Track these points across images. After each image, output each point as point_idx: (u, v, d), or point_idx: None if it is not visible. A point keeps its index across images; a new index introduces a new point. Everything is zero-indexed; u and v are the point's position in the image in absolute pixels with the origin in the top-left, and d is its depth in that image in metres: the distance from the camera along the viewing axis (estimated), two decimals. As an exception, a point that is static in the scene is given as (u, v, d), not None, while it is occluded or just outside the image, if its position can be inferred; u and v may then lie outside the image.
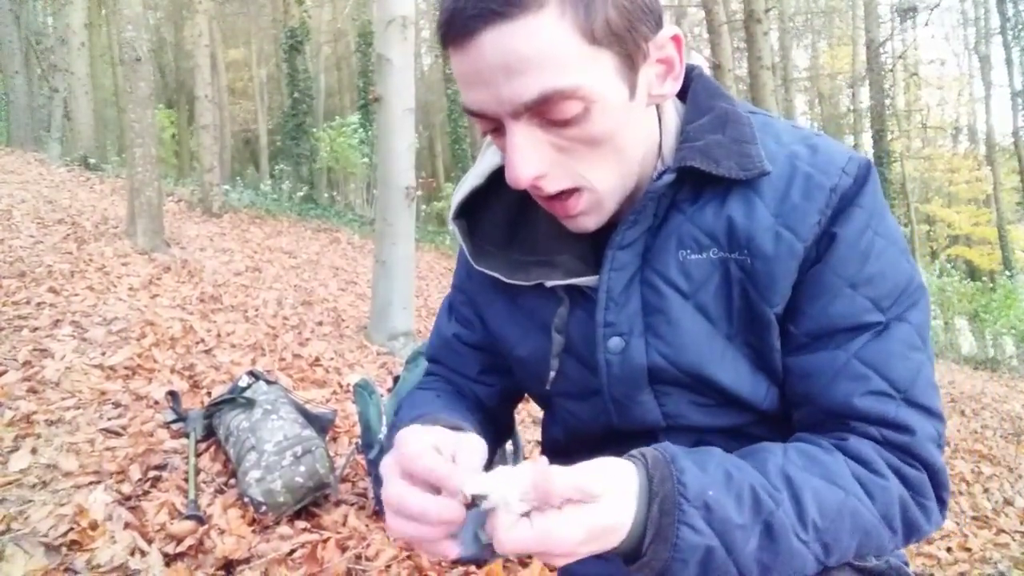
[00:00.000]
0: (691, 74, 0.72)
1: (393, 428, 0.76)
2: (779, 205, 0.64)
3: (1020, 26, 16.60)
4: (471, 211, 0.77)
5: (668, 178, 0.65)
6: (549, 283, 0.72)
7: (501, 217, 0.77)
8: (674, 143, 0.69)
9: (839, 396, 0.65)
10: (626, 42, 0.58)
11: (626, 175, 0.65)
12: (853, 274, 0.64)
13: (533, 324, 0.77)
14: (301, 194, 13.64)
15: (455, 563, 1.95)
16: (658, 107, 0.69)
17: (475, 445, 0.59)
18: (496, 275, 0.74)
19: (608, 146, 0.61)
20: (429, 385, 0.88)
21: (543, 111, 0.57)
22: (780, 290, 0.65)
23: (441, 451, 0.57)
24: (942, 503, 0.65)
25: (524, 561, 2.08)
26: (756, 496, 0.57)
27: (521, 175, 0.59)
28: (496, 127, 0.61)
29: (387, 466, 0.58)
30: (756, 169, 0.64)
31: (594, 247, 0.72)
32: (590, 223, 0.66)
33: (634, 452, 0.58)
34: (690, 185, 0.67)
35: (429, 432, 0.59)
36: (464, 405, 0.83)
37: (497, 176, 0.75)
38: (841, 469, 0.62)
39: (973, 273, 19.14)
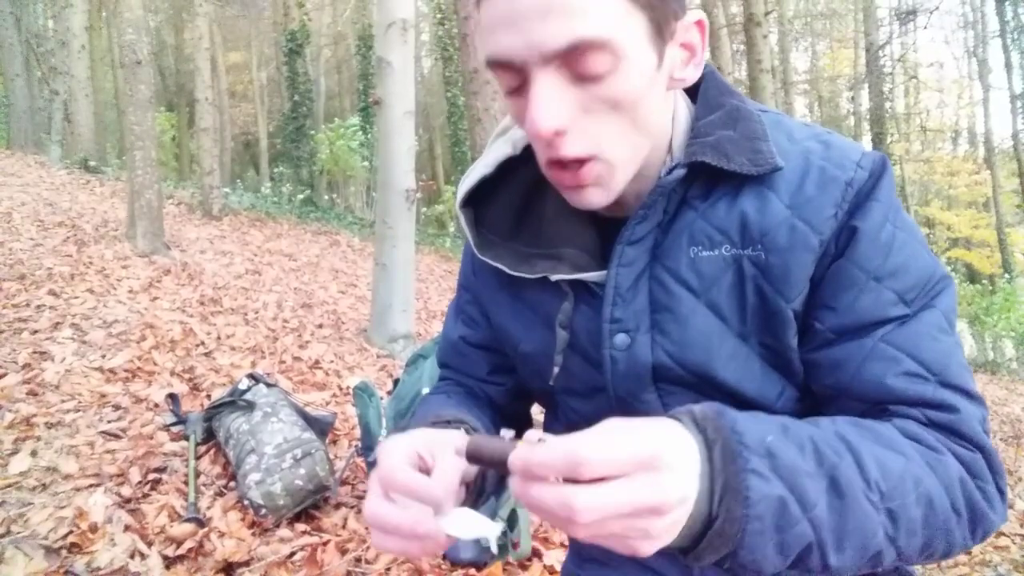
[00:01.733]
0: (703, 71, 0.72)
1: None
2: (793, 197, 0.64)
3: (1019, 30, 16.63)
4: (478, 201, 0.77)
5: (679, 173, 0.64)
6: (554, 277, 0.71)
7: (507, 208, 0.77)
8: (684, 139, 0.69)
9: (872, 379, 0.62)
10: (658, 11, 0.59)
11: (639, 151, 0.64)
12: (877, 267, 0.62)
13: (537, 319, 0.77)
14: (301, 197, 13.65)
15: (455, 566, 1.95)
16: None
17: (455, 444, 0.59)
18: (500, 266, 0.73)
19: (629, 113, 0.60)
20: (441, 388, 0.89)
21: (573, 61, 0.56)
22: (795, 284, 0.64)
23: (424, 455, 0.57)
24: (1001, 493, 0.61)
25: (524, 564, 2.08)
26: (817, 447, 0.53)
27: (544, 125, 0.57)
28: (518, 84, 0.60)
29: (371, 480, 0.58)
30: (768, 165, 0.64)
31: (601, 242, 0.71)
32: (597, 198, 0.64)
33: (672, 412, 0.55)
34: (702, 181, 0.66)
35: (411, 439, 0.59)
36: (475, 404, 0.83)
37: (506, 167, 0.75)
38: (896, 437, 0.58)
39: (973, 276, 19.16)
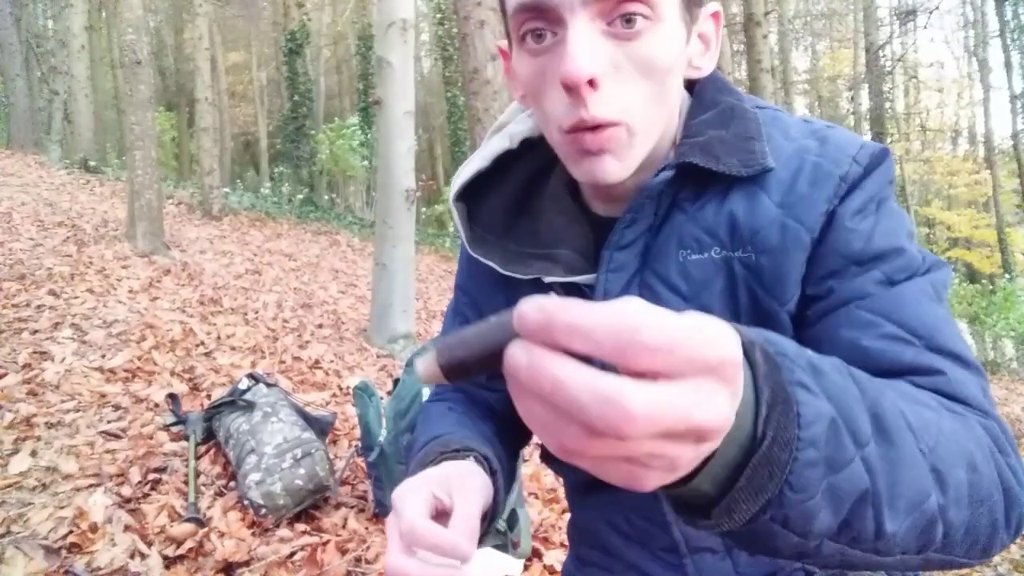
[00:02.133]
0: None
1: (411, 450, 0.74)
2: (785, 196, 0.62)
3: (1018, 30, 16.64)
4: (473, 196, 0.75)
5: (666, 175, 0.63)
6: (547, 279, 0.69)
7: (502, 206, 0.75)
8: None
9: (847, 343, 0.58)
10: None
11: (658, 127, 0.63)
12: (858, 252, 0.60)
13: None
14: (301, 197, 13.66)
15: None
16: None
17: (474, 488, 0.59)
18: (490, 263, 0.72)
19: (658, 82, 0.59)
20: (442, 395, 0.87)
21: (612, 8, 0.56)
22: (789, 286, 0.62)
23: (440, 495, 0.57)
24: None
25: (524, 564, 2.08)
26: (854, 375, 0.43)
27: (581, 69, 0.54)
28: (542, 33, 0.58)
29: (390, 527, 0.57)
30: (759, 165, 0.62)
31: (596, 242, 0.70)
32: (613, 169, 0.61)
33: None
34: (692, 183, 0.64)
35: (425, 481, 0.59)
36: (477, 414, 0.81)
37: (502, 163, 0.74)
38: (913, 390, 0.50)
39: (973, 276, 19.16)
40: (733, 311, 0.64)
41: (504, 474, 0.69)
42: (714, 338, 0.30)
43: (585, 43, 0.55)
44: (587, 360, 0.29)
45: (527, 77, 0.62)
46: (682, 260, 0.64)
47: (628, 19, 0.56)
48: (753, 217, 0.62)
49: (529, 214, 0.75)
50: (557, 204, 0.72)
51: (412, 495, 0.57)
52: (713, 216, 0.64)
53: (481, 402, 0.86)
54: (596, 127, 0.58)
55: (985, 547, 0.48)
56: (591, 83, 0.56)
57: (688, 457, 0.32)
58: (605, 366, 0.29)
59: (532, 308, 0.29)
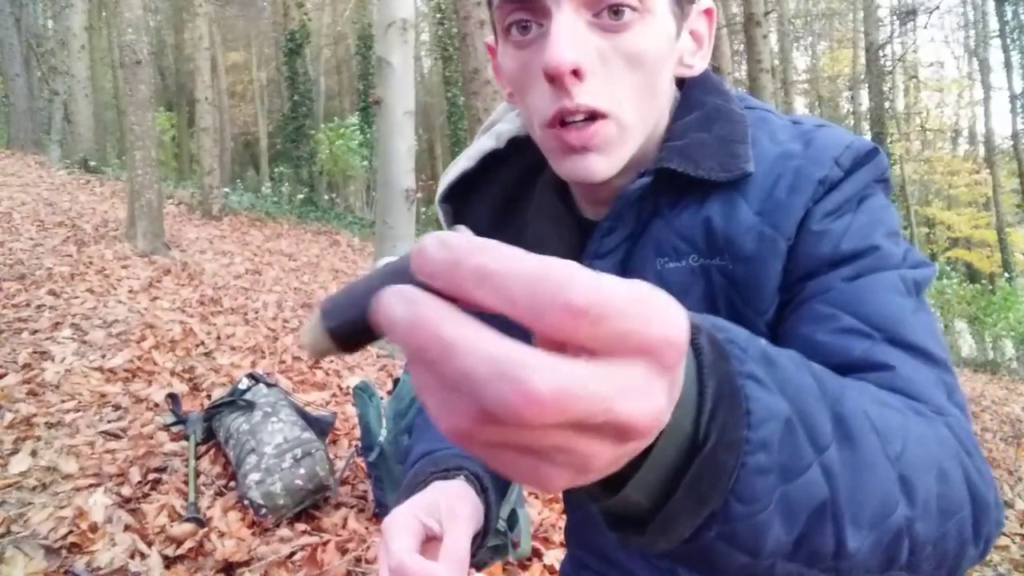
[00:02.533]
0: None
1: (408, 467, 0.73)
2: (764, 203, 0.59)
3: (1018, 30, 16.64)
4: (460, 197, 0.74)
5: (643, 181, 0.61)
6: None
7: (488, 206, 0.73)
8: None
9: (802, 340, 0.55)
10: None
11: (647, 123, 0.61)
12: (829, 253, 0.57)
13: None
14: (301, 197, 13.66)
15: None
16: None
17: (463, 514, 0.59)
18: None
19: (647, 76, 0.57)
20: None
21: None
22: (767, 295, 0.59)
23: (429, 524, 0.58)
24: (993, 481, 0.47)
25: (524, 564, 2.08)
26: (812, 369, 0.38)
27: (564, 57, 0.52)
28: (527, 25, 0.57)
29: (380, 560, 0.57)
30: (739, 170, 0.59)
31: (583, 246, 0.68)
32: (599, 167, 0.58)
33: None
34: (672, 188, 0.62)
35: (413, 508, 0.59)
36: None
37: (489, 163, 0.72)
38: (876, 390, 0.46)
39: (973, 276, 19.15)
40: None
41: (496, 487, 0.69)
42: (659, 312, 0.23)
43: (569, 32, 0.54)
44: (502, 326, 0.23)
45: (512, 71, 0.60)
46: (660, 268, 0.62)
47: (616, 11, 0.55)
48: (730, 224, 0.60)
49: (517, 216, 0.73)
50: (544, 206, 0.70)
51: (400, 528, 0.57)
52: (689, 222, 0.61)
53: None
54: (583, 121, 0.56)
55: (953, 566, 0.44)
56: (576, 73, 0.54)
57: (605, 457, 0.25)
58: (528, 338, 0.23)
59: (434, 243, 0.23)
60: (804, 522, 0.34)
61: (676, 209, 0.62)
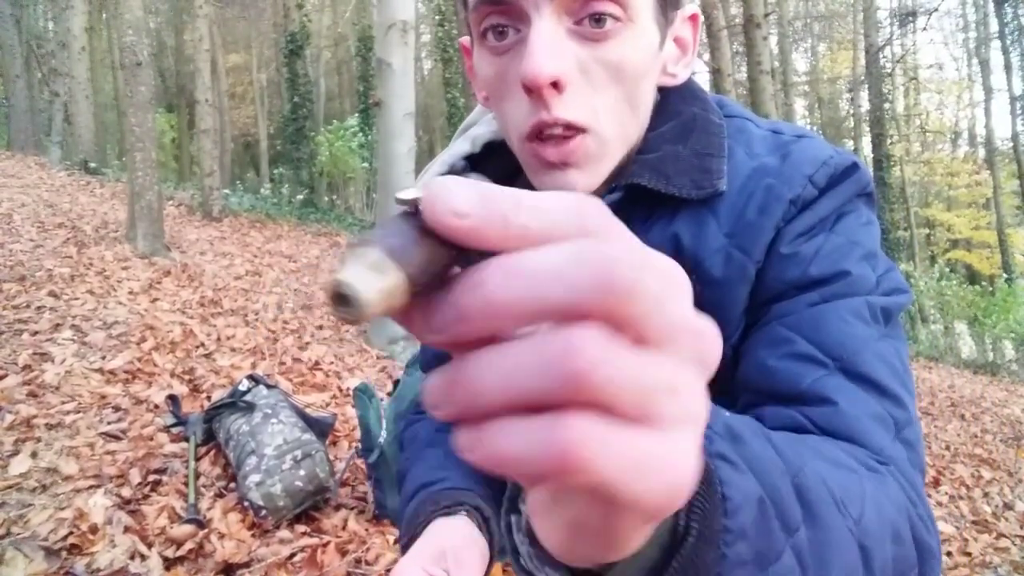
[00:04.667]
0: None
1: (406, 499, 0.71)
2: (734, 225, 0.57)
3: (1018, 31, 16.66)
4: None
5: (614, 197, 0.58)
6: None
7: None
8: None
9: (755, 363, 0.53)
10: None
11: (627, 138, 0.58)
12: (796, 278, 0.54)
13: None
14: (301, 198, 13.65)
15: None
16: None
17: (470, 562, 0.60)
18: None
19: (629, 89, 0.55)
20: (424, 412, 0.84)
21: (581, 6, 0.52)
22: (732, 320, 0.57)
23: (436, 574, 0.59)
24: (931, 519, 0.46)
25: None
26: (773, 440, 0.37)
27: (543, 68, 0.49)
28: (505, 30, 0.54)
29: None
30: (711, 187, 0.57)
31: None
32: (579, 182, 0.56)
33: None
34: (644, 203, 0.59)
35: (420, 557, 0.60)
36: None
37: (476, 162, 0.69)
38: (828, 446, 0.45)
39: (973, 277, 19.16)
40: None
41: (498, 513, 0.68)
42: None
43: (549, 41, 0.50)
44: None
45: (487, 78, 0.57)
46: None
47: (598, 19, 0.52)
48: (698, 244, 0.57)
49: None
50: None
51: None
52: (658, 239, 0.58)
53: None
54: (561, 136, 0.54)
55: None
56: (555, 85, 0.51)
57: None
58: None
59: (468, 193, 0.20)
60: None
61: (646, 224, 0.60)
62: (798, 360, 0.51)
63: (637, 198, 0.59)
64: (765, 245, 0.56)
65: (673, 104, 0.63)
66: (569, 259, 0.18)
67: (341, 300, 0.19)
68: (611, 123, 0.55)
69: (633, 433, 0.19)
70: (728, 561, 0.29)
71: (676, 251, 0.58)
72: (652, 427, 0.19)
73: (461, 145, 0.69)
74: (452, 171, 0.67)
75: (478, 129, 0.70)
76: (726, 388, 0.56)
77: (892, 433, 0.49)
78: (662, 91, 0.64)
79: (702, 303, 0.51)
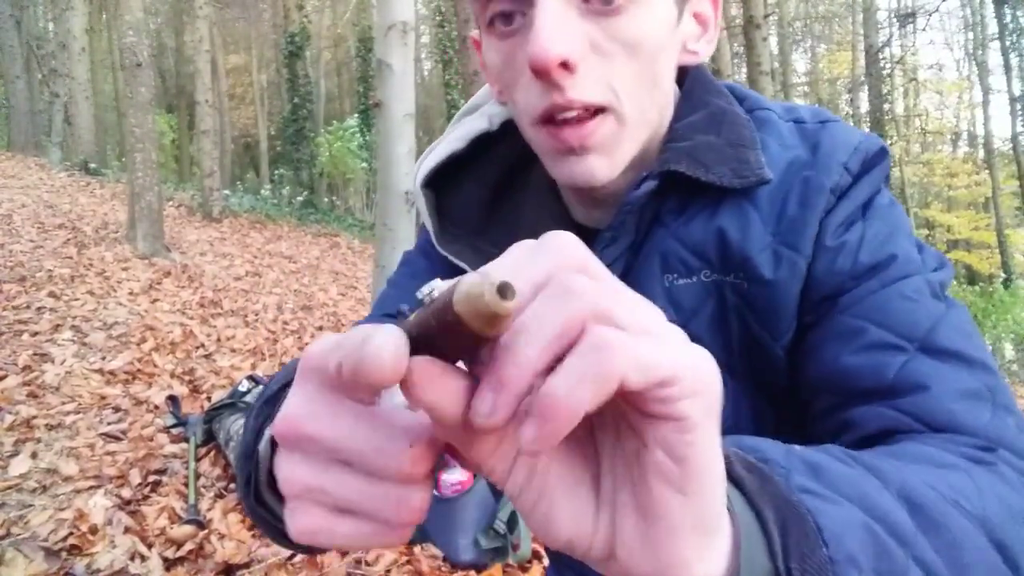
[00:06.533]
0: (690, 67, 0.63)
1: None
2: (777, 221, 0.54)
3: (1017, 32, 16.67)
4: (440, 186, 0.66)
5: (649, 186, 0.54)
6: None
7: (475, 199, 0.66)
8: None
9: (826, 365, 0.50)
10: None
11: (651, 116, 0.55)
12: (849, 268, 0.52)
13: None
14: (301, 199, 13.65)
15: (455, 568, 1.95)
16: None
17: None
18: (462, 264, 0.61)
19: (647, 63, 0.52)
20: None
21: None
22: (784, 319, 0.54)
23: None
24: None
25: (524, 566, 2.08)
26: (862, 460, 0.36)
27: (549, 48, 0.46)
28: (511, 15, 0.52)
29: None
30: (754, 176, 0.54)
31: None
32: (600, 168, 0.53)
33: None
34: (677, 194, 0.56)
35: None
36: None
37: (477, 146, 0.65)
38: (928, 450, 0.42)
39: (972, 277, 19.16)
40: (723, 342, 0.56)
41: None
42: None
43: (555, 20, 0.48)
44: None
45: (496, 66, 0.55)
46: (668, 285, 0.56)
47: None
48: (744, 240, 0.54)
49: (508, 211, 0.66)
50: (539, 204, 0.64)
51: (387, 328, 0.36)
52: (701, 233, 0.55)
53: None
54: (577, 120, 0.51)
55: None
56: (565, 66, 0.48)
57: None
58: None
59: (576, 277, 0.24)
60: None
61: (682, 217, 0.56)
62: (876, 350, 0.49)
63: (671, 188, 0.56)
64: (812, 239, 0.53)
65: (698, 95, 0.61)
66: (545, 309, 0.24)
67: (507, 292, 0.22)
68: (630, 101, 0.52)
69: (637, 336, 0.23)
70: None
71: (722, 247, 0.55)
72: (650, 334, 0.24)
73: (477, 122, 0.66)
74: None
75: (493, 107, 0.66)
76: (785, 398, 0.55)
77: (990, 404, 0.46)
78: (684, 83, 0.62)
79: (752, 303, 0.54)
